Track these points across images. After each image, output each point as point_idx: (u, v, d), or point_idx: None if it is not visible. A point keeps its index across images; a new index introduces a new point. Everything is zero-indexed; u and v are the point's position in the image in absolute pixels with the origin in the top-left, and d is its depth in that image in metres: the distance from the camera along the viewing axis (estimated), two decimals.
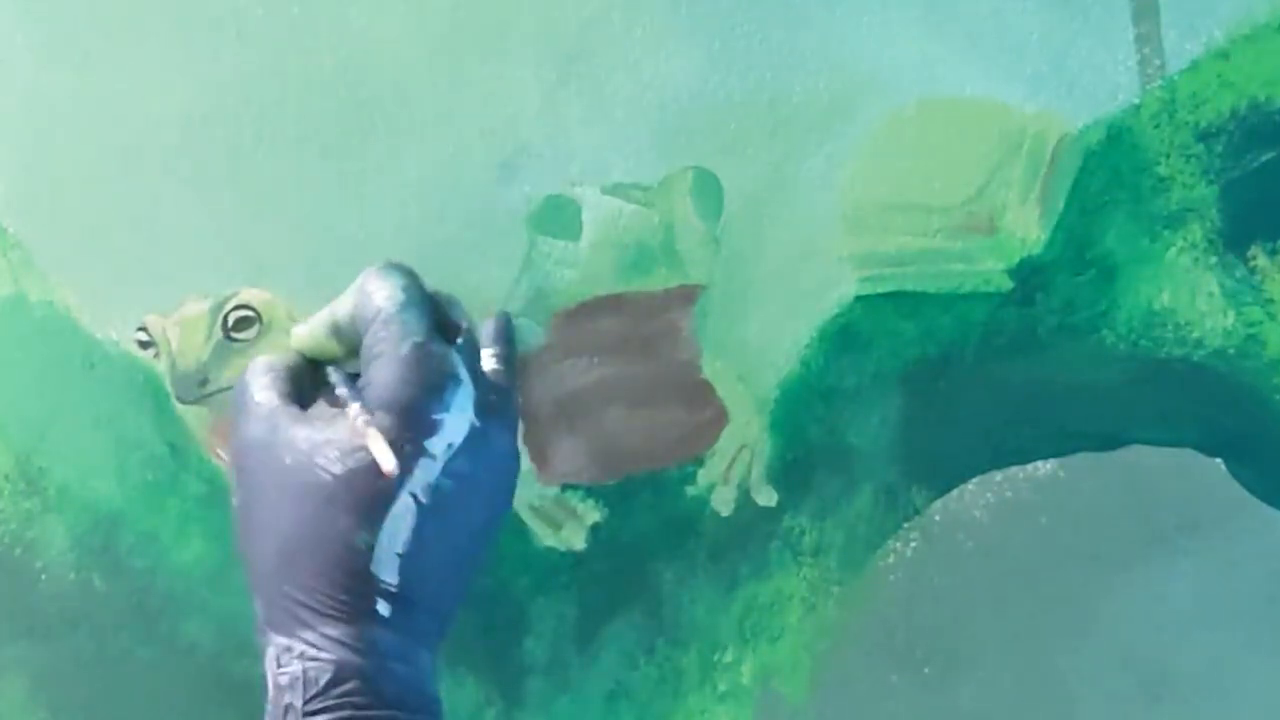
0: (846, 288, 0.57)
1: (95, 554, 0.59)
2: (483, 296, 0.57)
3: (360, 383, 0.44)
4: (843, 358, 0.57)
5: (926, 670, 0.60)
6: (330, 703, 0.40)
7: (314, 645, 0.41)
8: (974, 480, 0.59)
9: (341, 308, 0.46)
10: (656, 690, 0.59)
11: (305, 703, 0.40)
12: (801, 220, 0.56)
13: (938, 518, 0.59)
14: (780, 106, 0.55)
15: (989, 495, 0.59)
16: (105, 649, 0.59)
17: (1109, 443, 0.59)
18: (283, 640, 0.42)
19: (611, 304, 0.57)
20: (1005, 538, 0.59)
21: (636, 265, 0.56)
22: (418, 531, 0.42)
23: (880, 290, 0.57)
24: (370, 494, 0.41)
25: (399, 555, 0.42)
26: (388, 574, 0.42)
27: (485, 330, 0.47)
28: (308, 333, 0.47)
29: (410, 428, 0.42)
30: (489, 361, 0.46)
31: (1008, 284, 0.57)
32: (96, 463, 0.58)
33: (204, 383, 0.57)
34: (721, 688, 0.59)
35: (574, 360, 0.57)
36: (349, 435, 0.42)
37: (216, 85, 0.56)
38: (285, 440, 0.43)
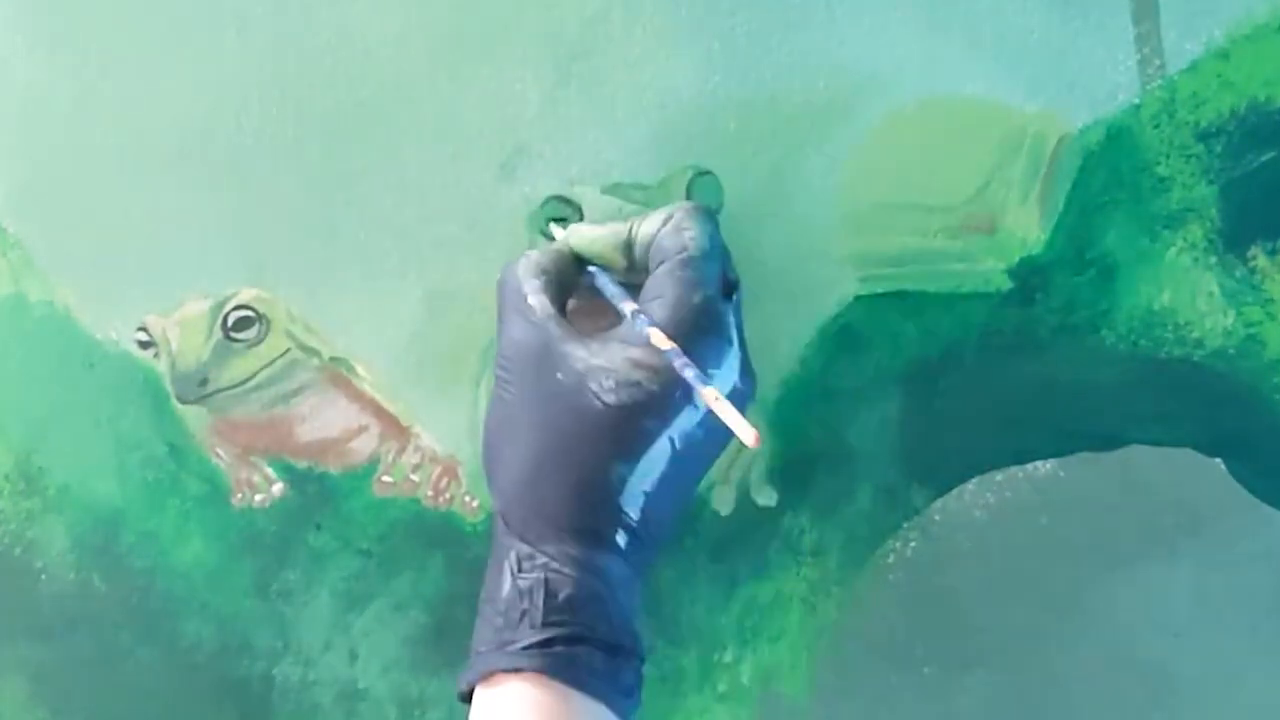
0: (846, 288, 0.57)
1: (95, 554, 0.59)
2: (483, 296, 0.57)
3: (639, 303, 0.44)
4: (843, 358, 0.57)
5: (926, 670, 0.60)
6: (565, 617, 0.41)
7: (555, 559, 0.42)
8: (974, 480, 0.59)
9: (643, 229, 0.47)
10: (656, 690, 0.59)
11: (544, 612, 0.41)
12: (801, 220, 0.56)
13: (938, 518, 0.59)
14: (780, 106, 0.55)
15: (989, 495, 0.59)
16: (105, 649, 0.59)
17: (1109, 443, 0.59)
18: (525, 547, 0.42)
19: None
20: (1005, 538, 0.59)
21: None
22: (665, 473, 0.43)
23: (880, 290, 0.57)
24: (635, 430, 0.42)
25: (645, 493, 0.43)
26: (632, 508, 0.43)
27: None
28: (594, 238, 0.48)
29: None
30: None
31: (1008, 284, 0.57)
32: (96, 463, 0.58)
33: (204, 383, 0.57)
34: (721, 688, 0.59)
35: None
36: (625, 366, 0.43)
37: (216, 85, 0.56)
38: (558, 354, 0.44)
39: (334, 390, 0.58)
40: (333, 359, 0.58)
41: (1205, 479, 0.59)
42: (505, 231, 0.56)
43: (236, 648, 0.59)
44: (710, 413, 0.43)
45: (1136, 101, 0.56)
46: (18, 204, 0.57)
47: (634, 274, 0.47)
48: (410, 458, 0.58)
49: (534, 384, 0.44)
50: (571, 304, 0.49)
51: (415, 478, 0.58)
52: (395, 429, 0.58)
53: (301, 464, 0.59)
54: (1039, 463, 0.59)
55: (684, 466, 0.44)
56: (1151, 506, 0.60)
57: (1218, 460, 0.59)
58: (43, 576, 0.59)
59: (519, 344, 0.45)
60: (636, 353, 0.43)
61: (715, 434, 0.44)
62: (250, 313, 0.57)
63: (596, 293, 0.48)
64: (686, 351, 0.43)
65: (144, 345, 0.57)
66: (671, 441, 0.43)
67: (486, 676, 0.42)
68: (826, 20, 0.55)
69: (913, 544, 0.59)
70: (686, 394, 0.43)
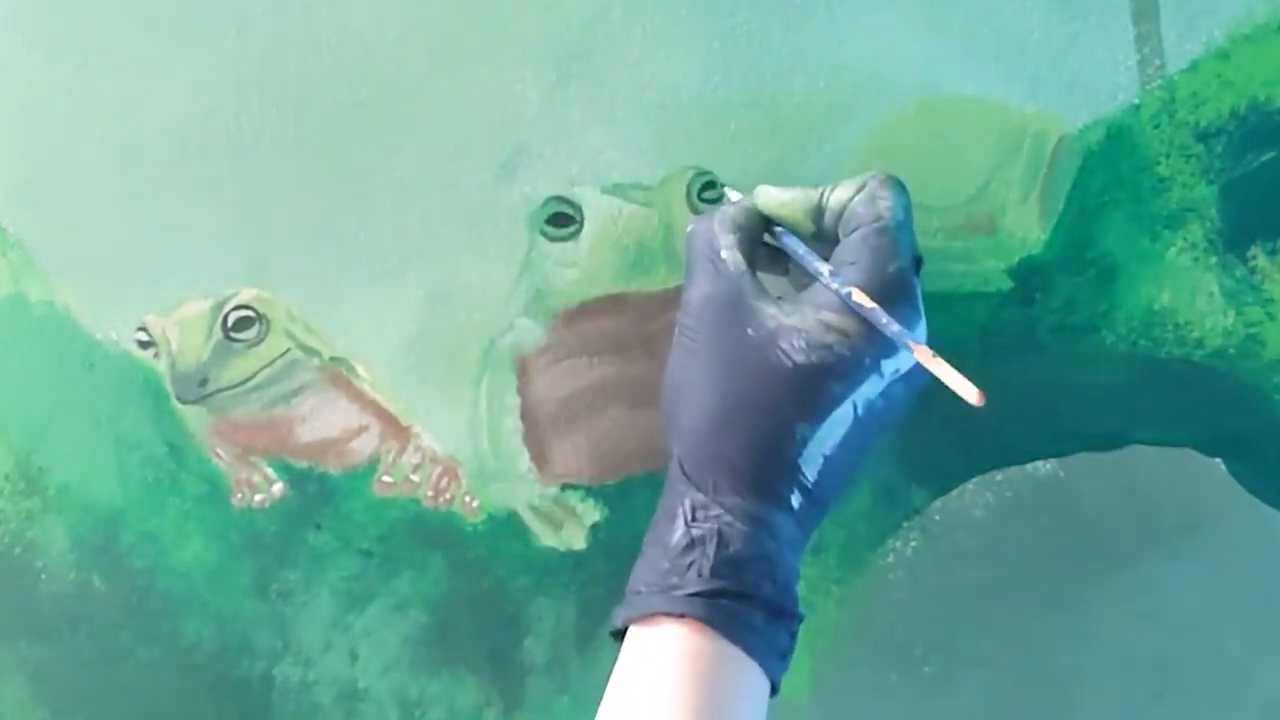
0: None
1: (95, 554, 0.59)
2: (483, 296, 0.57)
3: (829, 267, 0.45)
4: None
5: (926, 670, 0.60)
6: (734, 571, 0.41)
7: (730, 512, 0.42)
8: (974, 480, 0.59)
9: (836, 196, 0.46)
10: None
11: (714, 563, 0.41)
12: None
13: (938, 518, 0.59)
14: (780, 106, 0.55)
15: (989, 495, 0.59)
16: (105, 649, 0.59)
17: (1109, 443, 0.59)
18: (701, 496, 0.42)
19: (611, 304, 0.57)
20: (1005, 538, 0.59)
21: (636, 265, 0.56)
22: (845, 438, 0.43)
23: None
24: (822, 393, 0.43)
25: (824, 456, 0.43)
26: (810, 469, 0.43)
27: None
28: (783, 201, 0.47)
29: (877, 344, 0.43)
30: None
31: (1008, 284, 0.57)
32: (96, 463, 0.58)
33: (204, 383, 0.57)
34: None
35: (574, 360, 0.57)
36: (818, 328, 0.43)
37: (216, 85, 0.56)
38: (750, 310, 0.44)
39: (334, 390, 0.58)
40: (333, 359, 0.58)
41: (1205, 479, 0.59)
42: (505, 231, 0.56)
43: (236, 648, 0.59)
44: (893, 382, 0.44)
45: (1136, 101, 0.56)
46: (18, 204, 0.57)
47: (820, 241, 0.47)
48: (410, 458, 0.58)
49: (723, 337, 0.44)
50: (783, 285, 0.49)
51: (415, 478, 0.58)
52: (395, 429, 0.58)
53: (301, 464, 0.59)
54: (1039, 463, 0.59)
55: (863, 433, 0.44)
56: (1151, 506, 0.60)
57: (1218, 460, 0.59)
58: (43, 576, 0.59)
59: (710, 296, 0.45)
60: (829, 315, 0.43)
61: (895, 403, 0.45)
62: (250, 313, 0.57)
63: (782, 255, 0.48)
64: (883, 320, 0.43)
65: (144, 345, 0.57)
66: (855, 407, 0.43)
67: (648, 616, 0.42)
68: (826, 20, 0.55)
69: (913, 544, 0.59)
70: (875, 361, 0.43)
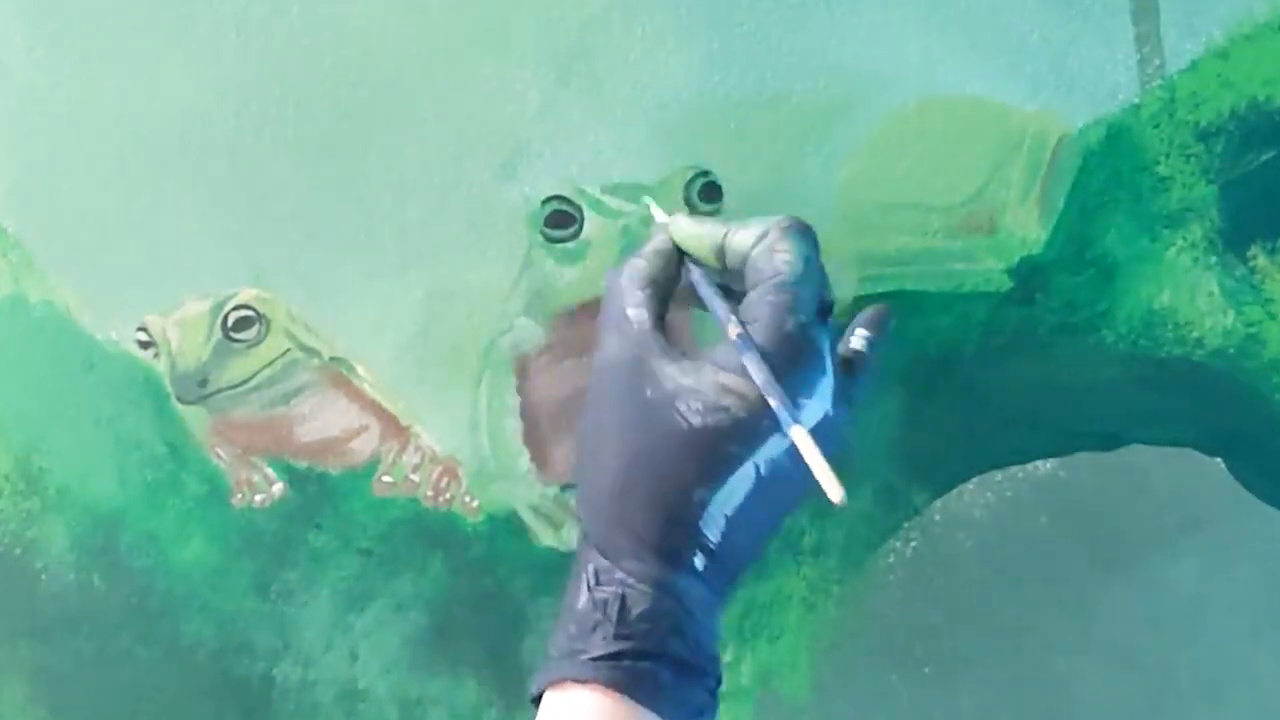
0: (847, 288, 0.57)
1: (95, 554, 0.59)
2: (483, 296, 0.57)
3: (735, 322, 0.44)
4: None
5: (926, 670, 0.60)
6: (638, 631, 0.41)
7: (633, 575, 0.42)
8: (974, 480, 0.59)
9: (738, 239, 0.45)
10: None
11: (616, 626, 0.41)
12: None
13: (938, 518, 0.59)
14: (780, 106, 0.55)
15: (989, 495, 0.59)
16: (105, 649, 0.59)
17: (1109, 443, 0.59)
18: (605, 561, 0.43)
19: None
20: (1005, 538, 0.59)
21: None
22: (748, 499, 0.43)
23: (880, 290, 0.57)
24: (719, 455, 0.42)
25: (726, 517, 0.43)
26: (712, 531, 0.43)
27: (864, 315, 0.47)
28: (693, 235, 0.47)
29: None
30: (857, 341, 0.46)
31: (1008, 284, 0.57)
32: (96, 463, 0.58)
33: (204, 383, 0.57)
34: (721, 687, 0.59)
35: (574, 360, 0.57)
36: (714, 390, 0.42)
37: (216, 85, 0.56)
38: (650, 372, 0.43)
39: (334, 390, 0.58)
40: (333, 359, 0.58)
41: (1205, 479, 0.59)
42: (505, 231, 0.56)
43: (236, 648, 0.59)
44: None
45: (1136, 101, 0.56)
46: (18, 204, 0.57)
47: (730, 276, 0.46)
48: (410, 458, 0.58)
49: (624, 399, 0.44)
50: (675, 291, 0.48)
51: (415, 478, 0.58)
52: (395, 429, 0.58)
53: (301, 464, 0.59)
54: (1039, 463, 0.59)
55: (770, 494, 0.43)
56: (1152, 506, 0.60)
57: (1218, 460, 0.59)
58: (43, 576, 0.59)
59: (611, 356, 0.45)
60: (727, 378, 0.42)
61: (804, 465, 0.43)
62: (250, 313, 0.57)
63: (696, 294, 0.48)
64: (780, 379, 0.42)
65: (144, 345, 0.57)
66: (757, 468, 0.42)
67: (557, 682, 0.42)
68: (826, 20, 0.55)
69: (913, 544, 0.59)
70: (775, 423, 0.42)
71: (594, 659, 0.41)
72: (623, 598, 0.42)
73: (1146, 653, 0.60)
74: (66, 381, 0.58)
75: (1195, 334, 0.57)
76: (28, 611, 0.59)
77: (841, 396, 0.44)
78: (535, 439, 0.58)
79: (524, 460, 0.58)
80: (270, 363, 0.57)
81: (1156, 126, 0.56)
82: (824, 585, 0.59)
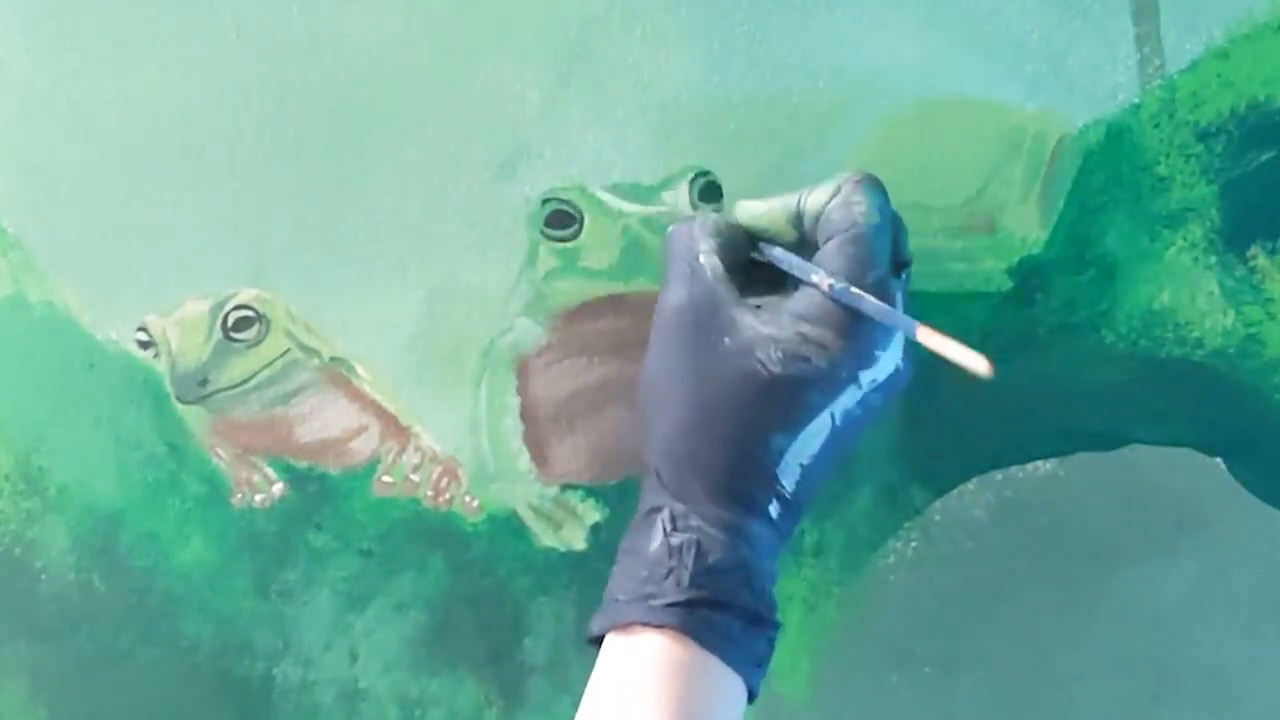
0: None
1: (95, 554, 0.59)
2: (483, 296, 0.57)
3: (822, 272, 0.44)
4: None
5: (926, 670, 0.60)
6: (712, 581, 0.41)
7: (708, 522, 0.42)
8: (974, 480, 0.59)
9: (812, 201, 0.45)
10: None
11: (692, 573, 0.41)
12: None
13: (938, 518, 0.59)
14: (780, 106, 0.55)
15: (989, 495, 0.59)
16: (105, 649, 0.59)
17: (1109, 443, 0.59)
18: (680, 506, 0.42)
19: (611, 304, 0.57)
20: (1005, 538, 0.59)
21: (636, 265, 0.56)
22: (823, 447, 0.43)
23: None
24: (800, 403, 0.42)
25: (801, 465, 0.43)
26: (788, 479, 0.43)
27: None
28: (764, 211, 0.47)
29: (855, 356, 0.43)
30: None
31: (1008, 284, 0.57)
32: (96, 463, 0.58)
33: (204, 383, 0.57)
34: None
35: (574, 360, 0.57)
36: (795, 340, 0.42)
37: (216, 85, 0.56)
38: (727, 318, 0.43)
39: (334, 390, 0.58)
40: (333, 359, 0.58)
41: (1205, 479, 0.59)
42: (505, 231, 0.56)
43: (236, 648, 0.59)
44: (870, 391, 0.43)
45: (1136, 101, 0.56)
46: (18, 204, 0.57)
47: (804, 248, 0.46)
48: (410, 458, 0.58)
49: (699, 345, 0.43)
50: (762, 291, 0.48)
51: (415, 478, 0.58)
52: (395, 429, 0.58)
53: (301, 464, 0.59)
54: (1039, 463, 0.59)
55: (840, 442, 0.44)
56: (1151, 506, 0.60)
57: (1218, 460, 0.59)
58: (43, 576, 0.59)
59: (686, 302, 0.44)
60: (808, 327, 0.42)
61: (872, 410, 0.44)
62: (250, 313, 0.57)
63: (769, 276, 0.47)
64: (854, 332, 0.43)
65: (144, 345, 0.57)
66: (832, 417, 0.43)
67: (625, 626, 0.42)
68: (826, 20, 0.55)
69: (913, 544, 0.59)
70: (852, 373, 0.43)
71: (668, 604, 0.41)
72: (698, 544, 0.42)
73: (1146, 653, 0.60)
74: (66, 381, 0.58)
75: (1195, 334, 0.57)
76: (28, 611, 0.59)
77: (906, 354, 0.45)
78: (535, 439, 0.58)
79: (524, 460, 0.58)
80: (270, 363, 0.57)
81: (1156, 126, 0.56)
82: (824, 585, 0.59)
